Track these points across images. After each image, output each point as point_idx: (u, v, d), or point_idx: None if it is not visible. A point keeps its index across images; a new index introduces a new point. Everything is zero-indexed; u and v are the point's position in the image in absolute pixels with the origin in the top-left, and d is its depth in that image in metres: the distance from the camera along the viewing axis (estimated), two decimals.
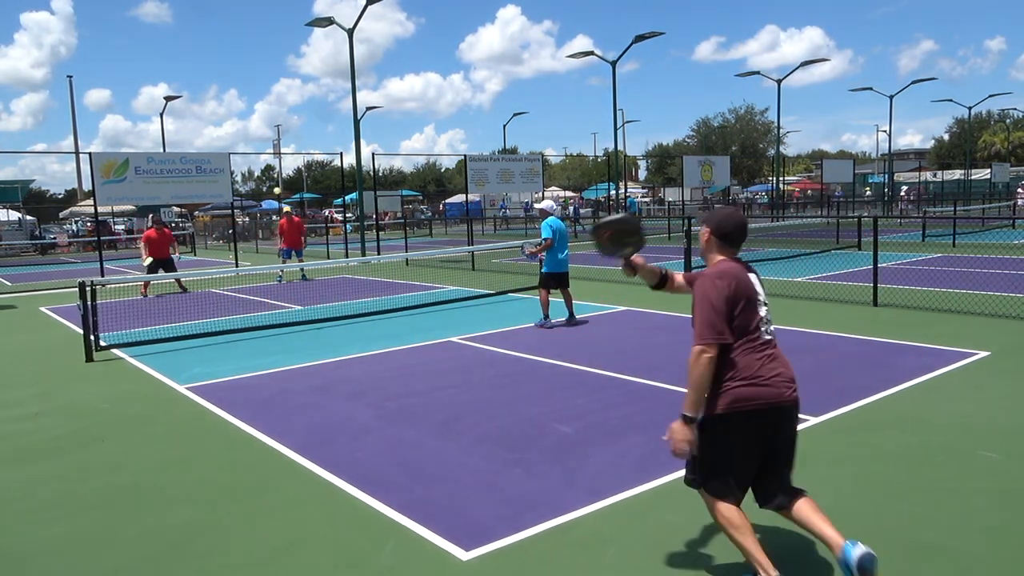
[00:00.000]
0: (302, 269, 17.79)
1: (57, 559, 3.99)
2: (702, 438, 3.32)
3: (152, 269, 15.73)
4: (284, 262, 17.72)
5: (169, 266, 16.04)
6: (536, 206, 10.43)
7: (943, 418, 5.63)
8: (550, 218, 9.98)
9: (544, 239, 9.90)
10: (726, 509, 3.37)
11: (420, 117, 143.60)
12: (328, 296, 14.10)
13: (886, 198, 45.07)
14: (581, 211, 47.28)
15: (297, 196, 59.84)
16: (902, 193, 42.98)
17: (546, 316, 9.81)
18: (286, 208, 19.75)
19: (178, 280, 16.04)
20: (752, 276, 3.62)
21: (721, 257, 3.66)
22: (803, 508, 3.36)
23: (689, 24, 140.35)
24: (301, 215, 48.12)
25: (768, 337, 3.53)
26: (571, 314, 10.12)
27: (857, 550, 3.13)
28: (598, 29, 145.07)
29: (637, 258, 3.88)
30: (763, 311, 3.53)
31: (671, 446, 3.30)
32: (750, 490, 3.44)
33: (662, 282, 3.99)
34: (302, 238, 18.21)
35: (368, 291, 14.61)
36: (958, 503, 4.18)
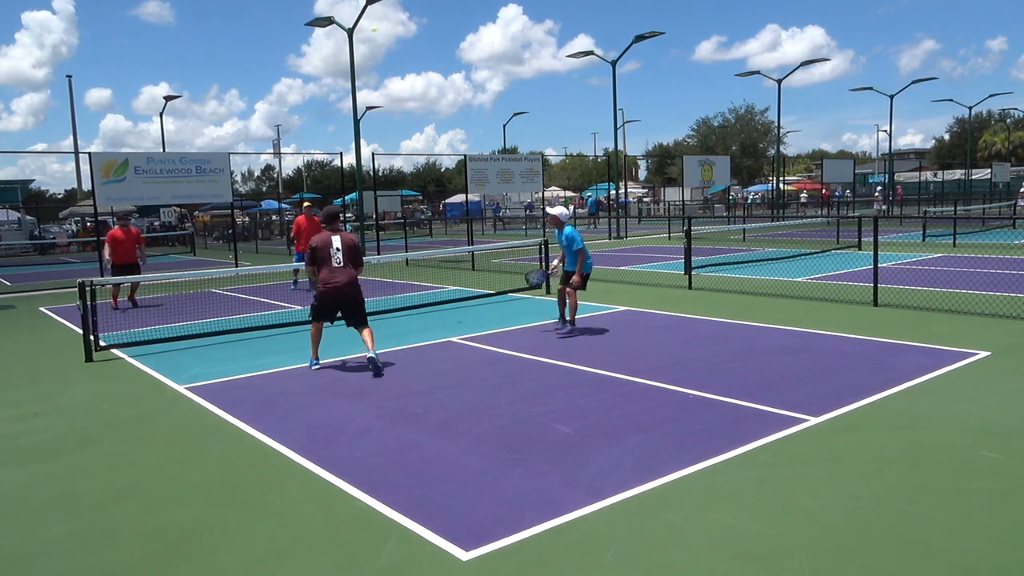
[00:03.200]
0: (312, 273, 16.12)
1: (57, 559, 3.99)
2: (314, 301, 8.12)
3: (119, 275, 13.26)
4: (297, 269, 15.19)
5: (134, 271, 13.69)
6: (552, 211, 9.82)
7: (943, 418, 5.63)
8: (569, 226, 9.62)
9: (580, 248, 9.56)
10: (314, 326, 8.13)
11: (421, 117, 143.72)
12: None
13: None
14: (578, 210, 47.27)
15: (297, 196, 59.87)
16: (876, 193, 42.38)
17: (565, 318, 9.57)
18: (306, 203, 16.15)
19: (133, 289, 13.90)
20: (335, 237, 7.98)
21: (327, 229, 8.11)
22: (364, 334, 7.93)
23: (690, 24, 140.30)
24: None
25: (336, 264, 7.89)
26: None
27: (374, 355, 7.78)
28: (599, 29, 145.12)
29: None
30: (334, 252, 7.89)
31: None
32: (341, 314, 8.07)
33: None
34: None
35: (368, 291, 14.57)
36: (958, 503, 4.18)
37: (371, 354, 7.80)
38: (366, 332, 7.93)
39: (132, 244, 13.66)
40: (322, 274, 7.88)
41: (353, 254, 8.01)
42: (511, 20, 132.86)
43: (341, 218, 8.49)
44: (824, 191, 47.77)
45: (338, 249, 7.91)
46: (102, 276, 14.01)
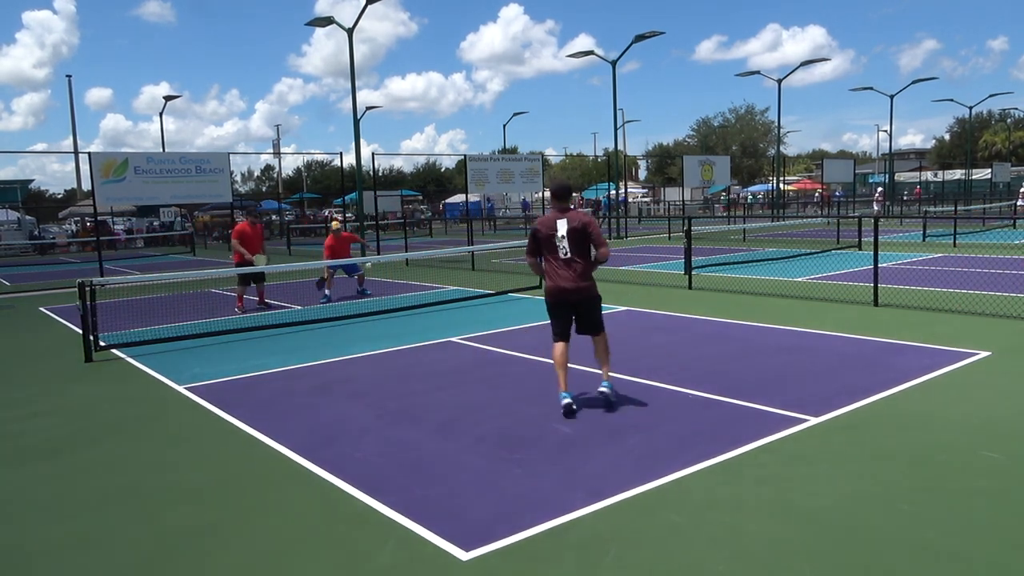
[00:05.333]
0: (361, 275, 14.33)
1: (57, 559, 3.99)
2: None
3: (246, 278, 12.51)
4: (331, 276, 14.00)
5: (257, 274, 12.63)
6: None
7: (943, 418, 5.62)
8: None
9: None
10: (555, 347, 6.14)
11: (421, 117, 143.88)
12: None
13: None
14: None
15: (297, 196, 59.87)
16: (876, 195, 42.30)
17: None
18: (335, 224, 14.50)
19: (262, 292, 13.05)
20: (560, 220, 5.97)
21: (553, 207, 6.14)
22: (596, 344, 6.27)
23: (690, 24, 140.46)
24: (302, 215, 48.26)
25: (562, 255, 5.97)
26: None
27: (606, 389, 6.15)
28: (600, 28, 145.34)
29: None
30: (560, 241, 5.95)
31: None
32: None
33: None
34: (349, 249, 14.34)
35: (371, 291, 14.60)
36: (958, 503, 4.18)
37: (603, 387, 6.15)
38: (599, 341, 6.24)
39: (259, 241, 12.74)
40: (547, 269, 6.12)
41: (582, 241, 5.98)
42: (512, 20, 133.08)
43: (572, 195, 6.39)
44: (824, 193, 47.82)
45: (563, 236, 5.94)
46: (102, 276, 14.00)
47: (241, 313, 12.39)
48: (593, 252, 6.08)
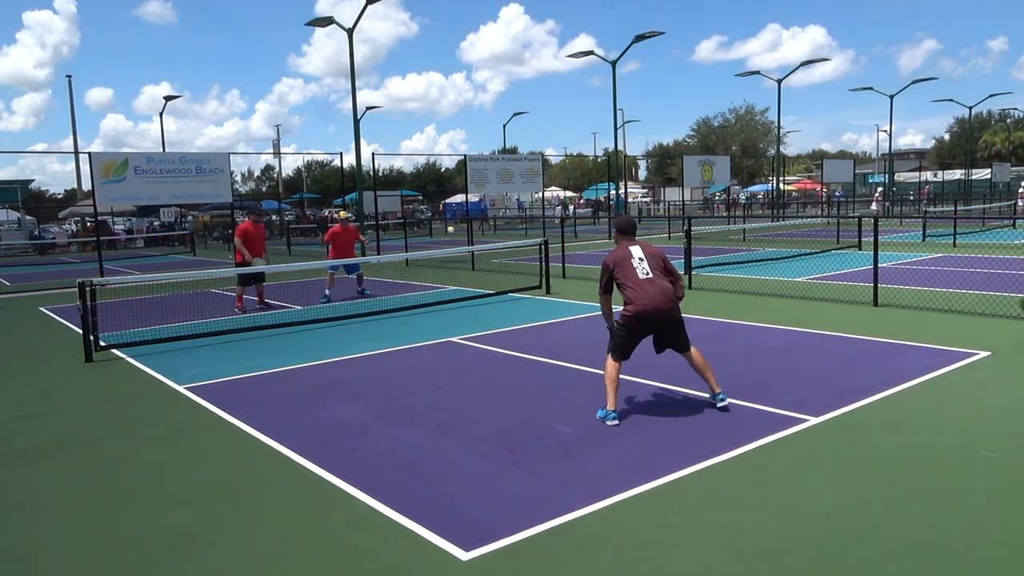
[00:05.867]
0: (359, 277, 14.29)
1: (57, 559, 3.99)
2: (618, 331, 6.03)
3: (246, 278, 12.56)
4: (333, 277, 13.94)
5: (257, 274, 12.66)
6: None
7: (943, 418, 5.62)
8: None
9: None
10: (612, 365, 5.92)
11: (421, 117, 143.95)
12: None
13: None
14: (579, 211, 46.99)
15: (297, 196, 59.86)
16: (876, 195, 42.11)
17: None
18: (344, 213, 14.86)
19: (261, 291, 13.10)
20: (633, 247, 6.10)
21: (621, 242, 6.26)
22: (696, 358, 6.06)
23: (690, 24, 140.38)
24: (302, 215, 48.25)
25: (642, 275, 5.89)
26: None
27: (724, 400, 5.96)
28: (600, 29, 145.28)
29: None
30: (637, 262, 5.96)
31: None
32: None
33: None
34: (354, 248, 14.21)
35: (372, 290, 14.59)
36: (958, 503, 4.18)
37: (721, 400, 5.96)
38: (698, 355, 6.07)
39: (261, 241, 12.83)
40: (629, 293, 5.89)
41: (659, 264, 6.03)
42: (512, 20, 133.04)
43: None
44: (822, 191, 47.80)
45: (641, 259, 5.98)
46: (102, 276, 13.97)
47: (241, 313, 12.38)
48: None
